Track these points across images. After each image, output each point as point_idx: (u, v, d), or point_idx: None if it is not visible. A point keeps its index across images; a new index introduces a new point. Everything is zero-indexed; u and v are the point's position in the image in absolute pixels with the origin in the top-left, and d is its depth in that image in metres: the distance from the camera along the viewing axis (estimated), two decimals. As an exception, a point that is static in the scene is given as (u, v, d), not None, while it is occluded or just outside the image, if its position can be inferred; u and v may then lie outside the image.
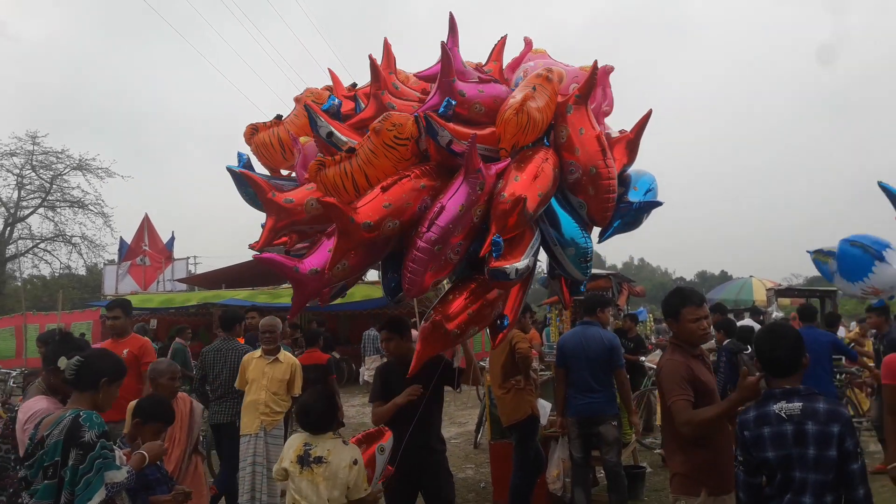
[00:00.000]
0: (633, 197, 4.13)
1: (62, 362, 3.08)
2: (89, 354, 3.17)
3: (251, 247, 3.83)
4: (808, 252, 9.74)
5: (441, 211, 3.39)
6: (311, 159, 3.76)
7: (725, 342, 6.80)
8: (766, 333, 3.11)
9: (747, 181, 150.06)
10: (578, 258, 3.91)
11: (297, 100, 4.48)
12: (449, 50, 3.69)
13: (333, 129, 3.71)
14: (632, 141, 4.12)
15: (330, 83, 4.49)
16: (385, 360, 5.48)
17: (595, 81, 3.88)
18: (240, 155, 4.33)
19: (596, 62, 3.89)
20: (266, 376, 5.91)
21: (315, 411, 3.75)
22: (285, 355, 6.12)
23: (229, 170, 4.09)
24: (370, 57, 3.90)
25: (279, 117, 4.49)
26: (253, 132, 4.44)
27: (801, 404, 2.77)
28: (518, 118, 3.55)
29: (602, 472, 6.07)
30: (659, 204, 4.25)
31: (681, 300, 3.55)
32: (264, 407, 5.80)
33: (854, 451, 2.69)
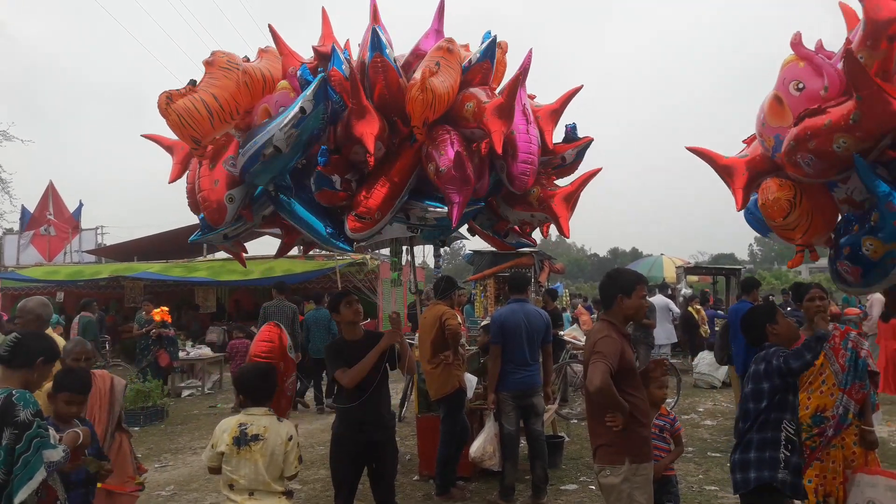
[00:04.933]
0: None
1: None
2: (25, 334, 3.09)
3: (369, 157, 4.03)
4: None
5: (529, 122, 4.37)
6: (285, 105, 4.11)
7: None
8: None
9: (662, 160, 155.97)
10: None
11: (207, 63, 4.24)
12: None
13: (395, 57, 4.28)
14: (556, 111, 4.68)
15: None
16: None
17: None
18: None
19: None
20: None
21: (249, 382, 3.83)
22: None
23: (322, 78, 4.02)
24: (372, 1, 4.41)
25: (193, 82, 4.20)
26: (168, 101, 4.03)
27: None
28: (423, 96, 3.81)
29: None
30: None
31: (637, 277, 3.83)
32: None
33: (779, 367, 3.58)
